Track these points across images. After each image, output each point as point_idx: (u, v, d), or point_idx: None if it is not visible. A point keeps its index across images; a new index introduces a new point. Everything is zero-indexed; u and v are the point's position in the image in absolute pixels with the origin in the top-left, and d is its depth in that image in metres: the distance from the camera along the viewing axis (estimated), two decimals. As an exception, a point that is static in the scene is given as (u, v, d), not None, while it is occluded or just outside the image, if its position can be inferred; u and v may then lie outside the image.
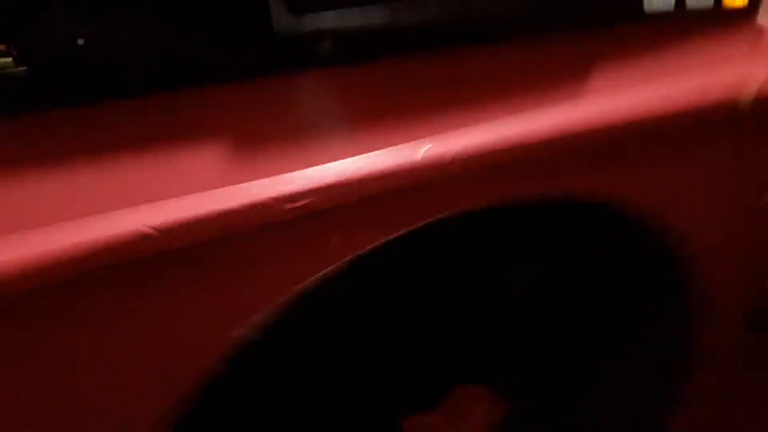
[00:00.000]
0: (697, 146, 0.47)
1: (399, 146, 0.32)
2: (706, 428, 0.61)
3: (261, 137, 0.30)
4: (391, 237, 0.35)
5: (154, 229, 0.26)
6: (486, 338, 0.47)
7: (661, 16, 0.39)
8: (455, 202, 0.36)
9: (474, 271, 0.45)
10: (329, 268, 0.33)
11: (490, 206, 0.37)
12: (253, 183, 0.28)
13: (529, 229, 0.45)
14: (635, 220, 0.47)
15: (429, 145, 0.33)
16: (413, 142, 0.32)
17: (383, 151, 0.32)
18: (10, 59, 0.23)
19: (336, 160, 0.30)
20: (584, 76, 0.39)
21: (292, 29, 0.27)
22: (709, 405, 0.60)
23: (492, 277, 0.46)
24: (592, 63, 0.39)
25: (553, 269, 0.49)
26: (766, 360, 0.64)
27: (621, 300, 0.52)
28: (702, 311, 0.53)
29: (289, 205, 0.29)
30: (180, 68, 0.26)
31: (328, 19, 0.28)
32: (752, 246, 0.55)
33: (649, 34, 0.40)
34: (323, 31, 0.28)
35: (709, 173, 0.49)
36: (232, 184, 0.29)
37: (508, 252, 0.45)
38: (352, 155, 0.31)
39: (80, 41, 0.24)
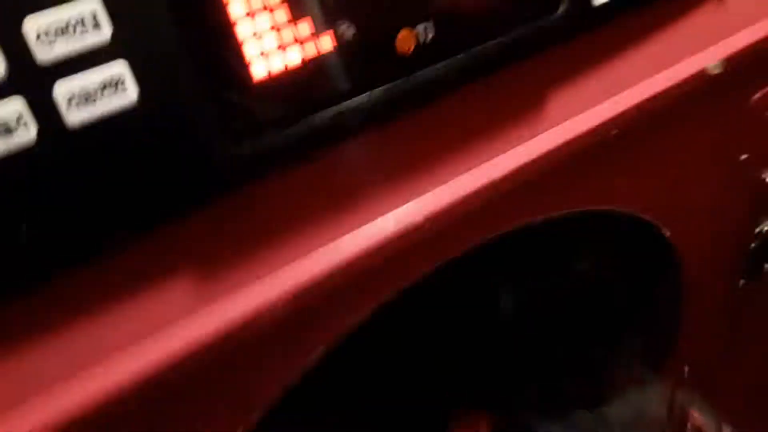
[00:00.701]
0: (677, 122, 0.46)
1: (365, 226, 0.32)
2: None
3: (224, 258, 0.29)
4: (377, 305, 0.35)
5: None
6: (482, 361, 0.48)
7: (610, 9, 0.37)
8: (437, 256, 0.36)
9: (463, 294, 0.45)
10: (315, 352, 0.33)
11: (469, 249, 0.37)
12: (227, 304, 0.28)
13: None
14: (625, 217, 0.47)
15: (397, 212, 0.33)
16: (380, 218, 0.32)
17: (349, 235, 0.32)
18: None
19: (300, 259, 0.30)
20: (544, 98, 0.37)
21: (230, 155, 0.27)
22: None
23: (482, 298, 0.46)
24: (549, 82, 0.38)
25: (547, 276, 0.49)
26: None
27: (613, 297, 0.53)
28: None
29: (269, 314, 0.30)
30: (124, 220, 0.26)
31: (268, 138, 0.27)
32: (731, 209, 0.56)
33: (601, 34, 0.39)
34: (265, 150, 0.28)
35: (693, 145, 0.49)
36: (207, 306, 0.29)
37: (497, 272, 0.46)
38: (322, 245, 0.31)
39: (23, 227, 0.24)
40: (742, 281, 0.65)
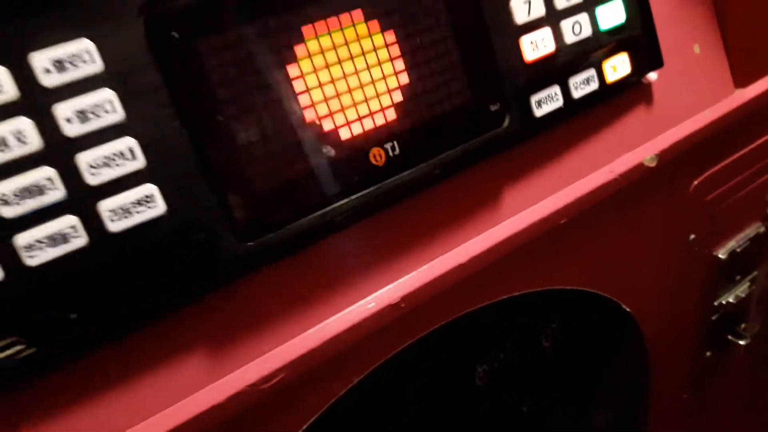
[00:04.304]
0: (624, 209, 0.53)
1: (351, 307, 0.38)
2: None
3: (228, 339, 0.35)
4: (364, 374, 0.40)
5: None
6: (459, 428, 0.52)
7: (551, 120, 0.44)
8: (414, 331, 0.42)
9: (440, 365, 0.51)
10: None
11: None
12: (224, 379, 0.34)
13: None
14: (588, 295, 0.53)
15: (377, 295, 0.39)
16: (363, 299, 0.38)
17: (337, 315, 0.38)
18: (20, 346, 0.29)
19: (296, 335, 0.36)
20: (500, 193, 0.44)
21: (237, 253, 0.33)
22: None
23: (458, 369, 0.51)
24: (504, 180, 0.44)
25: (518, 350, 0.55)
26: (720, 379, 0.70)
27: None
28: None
29: (264, 385, 0.35)
30: (145, 307, 0.32)
31: (268, 237, 0.34)
32: (688, 285, 0.62)
33: (546, 138, 0.46)
34: (266, 246, 0.34)
35: (642, 228, 0.55)
36: (215, 382, 0.35)
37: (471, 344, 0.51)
38: (314, 324, 0.37)
39: (72, 315, 0.30)
40: (708, 353, 0.70)
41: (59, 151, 0.29)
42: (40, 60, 0.29)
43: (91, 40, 0.30)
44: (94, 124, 0.30)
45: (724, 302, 0.67)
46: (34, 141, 0.29)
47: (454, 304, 0.44)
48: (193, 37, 0.32)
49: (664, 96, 0.52)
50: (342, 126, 0.36)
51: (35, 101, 0.29)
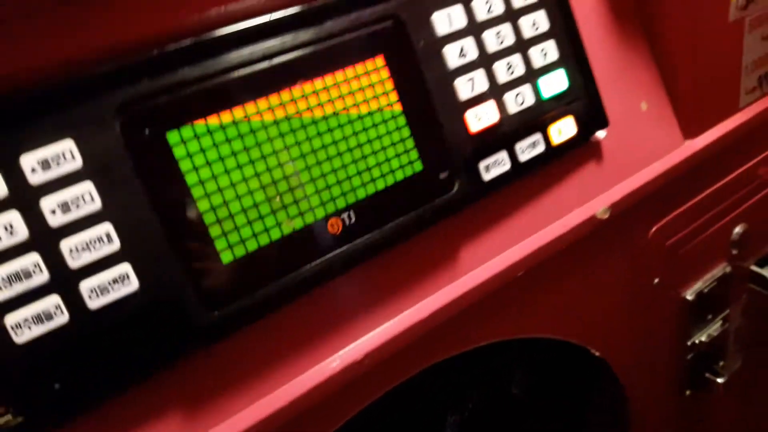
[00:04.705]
0: (584, 258, 0.56)
1: (318, 365, 0.42)
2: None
3: (201, 402, 0.39)
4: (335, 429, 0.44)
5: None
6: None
7: (500, 183, 0.48)
8: (380, 385, 0.45)
9: (414, 415, 0.53)
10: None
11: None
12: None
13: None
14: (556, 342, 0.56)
15: (341, 353, 0.43)
16: (329, 358, 0.42)
17: (305, 373, 0.41)
18: (9, 416, 0.33)
19: (265, 396, 0.40)
20: (458, 251, 0.48)
21: (205, 322, 0.37)
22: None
23: (431, 418, 0.54)
24: (461, 238, 0.48)
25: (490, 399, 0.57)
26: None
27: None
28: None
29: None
30: (123, 376, 0.36)
31: (235, 305, 0.38)
32: (658, 327, 0.65)
33: (499, 198, 0.50)
34: (234, 314, 0.38)
35: (604, 275, 0.59)
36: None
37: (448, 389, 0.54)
38: (284, 382, 0.41)
39: (56, 385, 0.33)
40: (688, 392, 0.72)
41: (44, 239, 0.34)
42: (28, 161, 0.33)
43: (73, 139, 0.34)
44: (75, 214, 0.34)
45: (697, 341, 0.69)
46: (22, 232, 0.33)
47: (420, 358, 0.47)
48: (161, 131, 0.36)
49: (614, 151, 0.56)
50: (301, 199, 0.40)
51: (23, 197, 0.33)
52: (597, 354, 0.60)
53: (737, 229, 0.69)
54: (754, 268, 0.73)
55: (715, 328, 0.70)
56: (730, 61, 0.61)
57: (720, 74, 0.61)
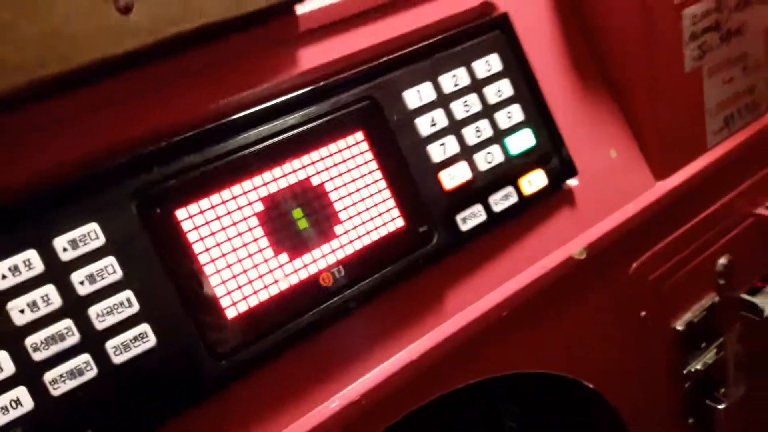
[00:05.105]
0: (567, 297, 0.61)
1: (317, 407, 0.47)
2: None
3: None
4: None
5: None
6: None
7: (477, 232, 0.54)
8: (378, 424, 0.50)
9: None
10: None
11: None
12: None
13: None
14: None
15: (340, 394, 0.48)
16: (327, 400, 0.47)
17: (306, 415, 0.46)
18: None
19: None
20: (443, 295, 0.53)
21: (214, 371, 0.43)
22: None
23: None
24: (445, 284, 0.53)
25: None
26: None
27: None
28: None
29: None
30: (143, 421, 0.41)
31: (240, 356, 0.44)
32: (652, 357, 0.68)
33: (479, 245, 0.55)
34: (239, 364, 0.44)
35: (590, 312, 0.63)
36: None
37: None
38: (286, 425, 0.46)
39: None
40: (690, 420, 0.75)
41: (75, 306, 0.40)
42: (60, 242, 0.40)
43: (97, 222, 0.41)
44: (100, 284, 0.41)
45: (693, 370, 0.72)
46: (56, 301, 0.39)
47: (415, 396, 0.52)
48: (170, 210, 0.43)
49: (587, 197, 0.61)
50: (295, 258, 0.46)
51: (57, 272, 0.40)
52: (590, 386, 0.64)
53: (721, 260, 0.73)
54: (744, 296, 0.76)
55: (710, 356, 0.73)
56: (693, 106, 0.66)
57: (684, 119, 0.66)
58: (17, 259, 0.39)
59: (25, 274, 0.39)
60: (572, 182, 0.59)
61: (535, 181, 0.56)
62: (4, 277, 0.39)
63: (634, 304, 0.67)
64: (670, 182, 0.65)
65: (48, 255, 0.40)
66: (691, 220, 0.69)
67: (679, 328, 0.70)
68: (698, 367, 0.72)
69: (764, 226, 0.76)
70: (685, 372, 0.72)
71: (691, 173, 0.66)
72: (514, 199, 0.55)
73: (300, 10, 0.49)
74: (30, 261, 0.39)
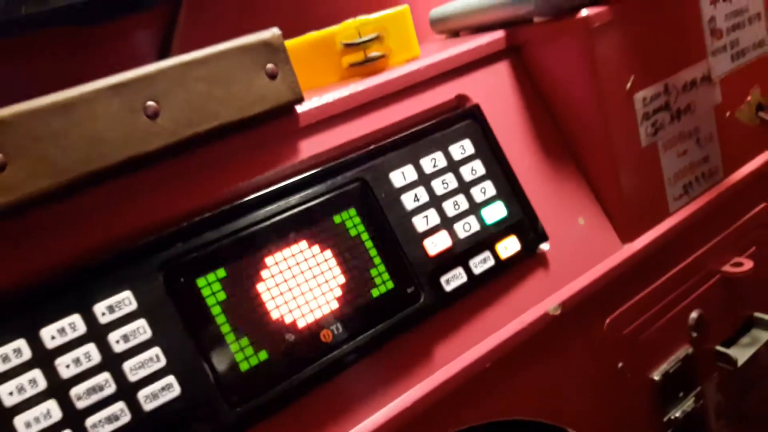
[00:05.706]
0: (545, 350, 0.67)
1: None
2: None
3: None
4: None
5: None
6: None
7: (460, 292, 0.61)
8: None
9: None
10: None
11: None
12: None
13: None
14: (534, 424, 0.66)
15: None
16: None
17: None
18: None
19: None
20: (430, 350, 0.60)
21: (230, 417, 0.49)
22: None
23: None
24: (432, 340, 0.60)
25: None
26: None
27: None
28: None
29: None
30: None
31: (252, 404, 0.50)
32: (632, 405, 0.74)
33: (463, 304, 0.62)
34: (251, 411, 0.50)
35: (567, 364, 0.69)
36: None
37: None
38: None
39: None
40: (675, 465, 0.79)
41: (111, 362, 0.47)
42: (99, 308, 0.48)
43: (130, 290, 0.49)
44: (133, 342, 0.48)
45: (672, 417, 0.77)
46: (96, 358, 0.47)
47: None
48: (192, 279, 0.51)
49: (559, 260, 0.68)
50: (299, 318, 0.54)
51: (96, 333, 0.47)
52: (574, 434, 0.69)
53: (693, 315, 0.79)
54: (718, 348, 0.82)
55: (689, 404, 0.78)
56: (653, 176, 0.74)
57: (645, 187, 0.74)
58: (63, 322, 0.47)
59: (70, 335, 0.47)
60: (544, 246, 0.67)
61: (510, 246, 0.64)
62: (53, 337, 0.46)
63: (610, 356, 0.73)
64: (636, 245, 0.72)
65: (88, 319, 0.48)
66: (659, 279, 0.76)
67: (656, 378, 0.76)
68: (677, 414, 0.77)
69: (731, 282, 0.82)
70: (665, 420, 0.77)
71: (655, 236, 0.73)
72: (491, 262, 0.63)
73: (299, 109, 0.58)
74: (74, 324, 0.47)
